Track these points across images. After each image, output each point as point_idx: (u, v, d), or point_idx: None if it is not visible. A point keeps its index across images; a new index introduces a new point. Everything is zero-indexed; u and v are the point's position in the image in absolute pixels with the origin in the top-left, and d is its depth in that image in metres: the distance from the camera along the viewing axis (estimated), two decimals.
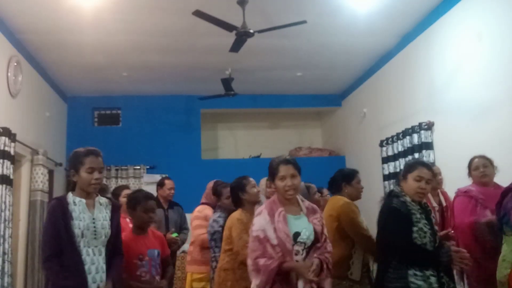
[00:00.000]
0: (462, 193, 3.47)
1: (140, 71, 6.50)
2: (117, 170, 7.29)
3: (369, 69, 6.63)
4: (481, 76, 4.12)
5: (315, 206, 2.64)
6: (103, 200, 2.68)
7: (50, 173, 6.18)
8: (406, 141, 5.28)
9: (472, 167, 3.53)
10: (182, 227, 4.84)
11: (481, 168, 3.46)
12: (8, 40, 4.94)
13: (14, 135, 4.78)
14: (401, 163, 5.26)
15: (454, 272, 3.04)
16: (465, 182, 4.26)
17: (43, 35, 5.16)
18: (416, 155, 5.01)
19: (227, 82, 6.27)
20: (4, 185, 4.44)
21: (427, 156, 4.86)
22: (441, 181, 3.81)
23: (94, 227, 2.52)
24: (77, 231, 2.46)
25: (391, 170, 5.66)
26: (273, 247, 2.39)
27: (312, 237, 2.46)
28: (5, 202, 4.44)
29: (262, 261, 2.37)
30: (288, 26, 4.48)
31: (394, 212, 2.59)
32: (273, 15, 4.74)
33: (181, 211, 4.99)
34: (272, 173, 2.52)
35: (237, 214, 3.28)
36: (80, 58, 5.87)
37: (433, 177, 2.77)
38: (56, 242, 2.44)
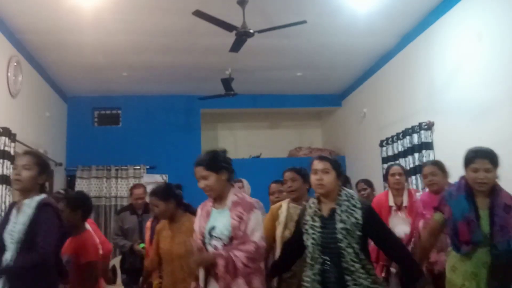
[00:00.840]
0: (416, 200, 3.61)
1: (140, 71, 6.49)
2: (117, 170, 7.29)
3: (369, 69, 6.63)
4: (481, 76, 4.12)
5: (246, 200, 2.53)
6: (28, 201, 2.50)
7: (50, 173, 6.18)
8: (406, 141, 5.28)
9: (422, 174, 3.66)
10: None
11: (429, 176, 3.52)
12: (8, 40, 4.94)
13: (14, 135, 4.78)
14: (401, 163, 5.26)
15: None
16: None
17: (43, 35, 5.16)
18: (416, 155, 5.01)
19: (227, 82, 6.27)
20: (4, 185, 4.45)
21: (427, 156, 4.86)
22: (400, 181, 3.75)
23: (13, 231, 2.42)
24: (5, 235, 2.44)
25: None
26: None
27: (227, 233, 2.41)
28: (5, 202, 4.44)
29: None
30: (288, 26, 4.48)
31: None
32: (273, 15, 4.74)
33: None
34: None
35: None
36: (80, 58, 5.87)
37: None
38: None
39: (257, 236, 2.41)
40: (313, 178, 2.54)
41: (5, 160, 4.51)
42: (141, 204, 4.71)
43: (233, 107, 7.80)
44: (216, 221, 2.49)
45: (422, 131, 4.95)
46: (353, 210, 2.46)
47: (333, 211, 2.49)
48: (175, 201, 3.14)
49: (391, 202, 3.71)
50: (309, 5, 4.66)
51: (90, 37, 5.24)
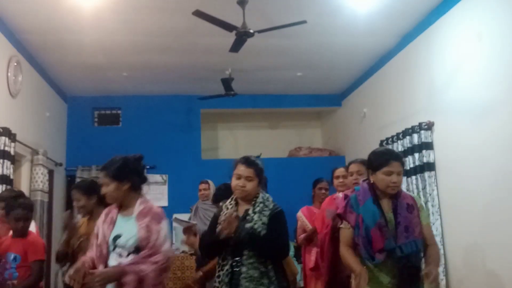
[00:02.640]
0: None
1: (140, 71, 6.49)
2: None
3: (369, 69, 6.63)
4: (481, 76, 4.12)
5: (154, 210, 2.48)
6: None
7: (50, 173, 6.18)
8: (406, 141, 5.28)
9: (334, 175, 3.71)
10: None
11: (341, 178, 3.56)
12: (8, 40, 4.94)
13: (14, 135, 4.78)
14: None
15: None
16: (466, 181, 4.27)
17: (43, 35, 5.16)
18: (416, 155, 5.01)
19: (227, 82, 6.28)
20: (4, 185, 4.44)
21: (427, 156, 4.86)
22: (344, 183, 3.75)
23: None
24: None
25: None
26: (96, 246, 2.41)
27: (133, 242, 2.36)
28: None
29: (88, 254, 2.43)
30: (288, 26, 4.48)
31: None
32: (273, 15, 4.74)
33: None
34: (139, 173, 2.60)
35: None
36: (80, 58, 5.87)
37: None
38: None
39: (166, 247, 2.39)
40: (235, 182, 2.56)
41: (5, 160, 4.51)
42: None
43: (233, 107, 7.80)
44: (121, 229, 2.41)
45: (422, 131, 4.95)
46: (264, 211, 2.52)
47: (246, 212, 2.54)
48: (98, 198, 3.08)
49: None
50: (309, 5, 4.66)
51: (90, 37, 5.23)
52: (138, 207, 2.46)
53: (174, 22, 4.97)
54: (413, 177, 5.01)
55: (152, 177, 7.37)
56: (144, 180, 2.59)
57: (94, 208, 3.10)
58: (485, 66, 4.07)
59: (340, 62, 6.41)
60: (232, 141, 8.68)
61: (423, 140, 4.93)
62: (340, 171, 3.90)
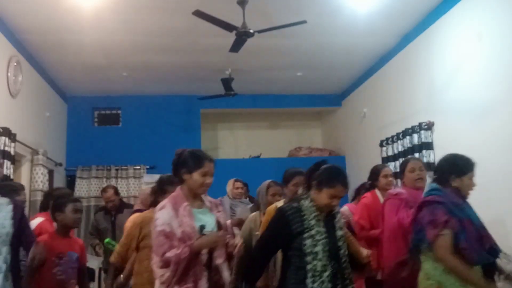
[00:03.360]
0: (392, 196, 3.37)
1: (140, 71, 6.50)
2: (117, 170, 7.29)
3: (369, 69, 6.63)
4: (481, 76, 4.12)
5: (217, 201, 2.67)
6: (2, 199, 2.63)
7: (50, 173, 6.18)
8: (406, 141, 5.28)
9: (407, 168, 3.41)
10: None
11: (417, 170, 3.39)
12: (8, 40, 4.94)
13: (14, 135, 4.78)
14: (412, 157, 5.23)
15: None
16: None
17: (43, 35, 5.16)
18: (416, 155, 5.01)
19: (227, 82, 6.28)
20: None
21: (427, 156, 4.86)
22: (392, 182, 3.77)
23: None
24: None
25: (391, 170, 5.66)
26: (178, 241, 2.35)
27: (215, 230, 2.46)
28: None
29: (171, 253, 2.30)
30: (288, 26, 4.48)
31: (276, 213, 2.55)
32: (273, 15, 4.74)
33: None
34: (194, 165, 2.46)
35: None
36: (80, 58, 5.88)
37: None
38: None
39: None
40: (202, 179, 2.45)
41: (5, 160, 4.51)
42: (111, 207, 4.93)
43: (233, 107, 7.80)
44: (201, 220, 2.43)
45: (422, 131, 4.95)
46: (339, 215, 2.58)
47: (331, 217, 2.50)
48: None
49: (381, 200, 3.65)
50: (309, 5, 4.66)
51: (90, 37, 5.24)
52: (205, 199, 2.57)
53: (174, 22, 4.97)
54: None
55: (152, 177, 7.36)
56: None
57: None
58: (485, 66, 4.07)
59: (340, 62, 6.41)
60: (232, 141, 8.68)
61: (423, 140, 4.93)
62: (388, 170, 3.83)
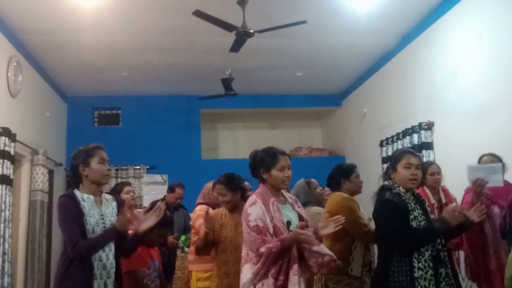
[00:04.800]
0: (471, 189, 3.44)
1: (140, 71, 6.50)
2: (117, 170, 7.29)
3: (369, 69, 6.63)
4: (481, 76, 4.12)
5: (296, 198, 2.72)
6: (108, 196, 2.70)
7: (50, 173, 6.18)
8: (406, 141, 5.28)
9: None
10: (187, 228, 4.96)
11: (437, 175, 3.51)
12: (8, 40, 4.94)
13: (14, 135, 4.78)
14: (429, 160, 5.23)
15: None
16: (466, 181, 4.26)
17: (43, 35, 5.16)
18: None
19: (227, 82, 6.27)
20: (4, 185, 4.44)
21: (427, 156, 4.86)
22: (440, 180, 3.78)
23: (104, 223, 2.51)
24: (88, 227, 2.44)
25: None
26: (270, 235, 2.38)
27: (298, 225, 2.48)
28: (5, 202, 4.44)
29: (264, 248, 2.32)
30: (288, 26, 4.48)
31: (388, 204, 2.58)
32: (273, 15, 4.74)
33: (186, 213, 5.18)
34: (270, 163, 2.50)
35: None
36: (80, 58, 5.87)
37: (421, 165, 2.76)
38: (79, 230, 2.41)
39: None
40: (281, 173, 2.51)
41: (5, 160, 4.51)
42: (175, 203, 5.16)
43: (233, 107, 7.80)
44: (287, 216, 2.49)
45: (422, 131, 4.95)
46: None
47: (421, 201, 2.68)
48: (241, 192, 3.31)
49: (432, 200, 3.69)
50: (309, 5, 4.66)
51: (90, 37, 5.24)
52: (286, 195, 2.61)
53: (174, 22, 4.97)
54: None
55: (152, 177, 7.38)
56: None
57: (238, 202, 3.27)
58: (485, 66, 4.08)
59: (340, 62, 6.41)
60: (232, 141, 8.68)
61: (423, 140, 4.93)
62: (435, 167, 3.79)
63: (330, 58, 6.26)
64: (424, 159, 4.86)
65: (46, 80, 6.35)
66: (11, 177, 4.63)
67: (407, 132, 5.28)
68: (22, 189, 5.37)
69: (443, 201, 3.72)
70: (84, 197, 2.52)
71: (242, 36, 4.52)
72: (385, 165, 5.84)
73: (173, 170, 7.40)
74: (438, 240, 2.54)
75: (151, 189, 7.35)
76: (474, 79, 4.21)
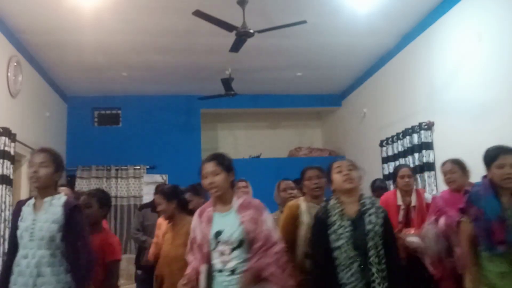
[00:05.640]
0: (434, 198, 3.57)
1: (140, 71, 6.50)
2: (117, 170, 7.29)
3: (369, 69, 6.63)
4: (481, 76, 4.12)
5: (254, 202, 2.46)
6: (58, 201, 2.50)
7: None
8: (406, 141, 5.28)
9: (441, 171, 3.56)
10: None
11: (448, 174, 3.49)
12: (8, 40, 4.94)
13: (14, 135, 4.78)
14: (401, 163, 5.26)
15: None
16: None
17: (43, 35, 5.16)
18: (416, 155, 5.02)
19: (227, 82, 6.27)
20: (4, 185, 4.45)
21: (427, 156, 4.86)
22: (409, 183, 3.76)
23: (32, 229, 2.39)
24: (18, 232, 2.42)
25: (391, 170, 5.65)
26: (196, 248, 2.44)
27: (237, 236, 2.32)
28: (5, 202, 4.44)
29: (190, 258, 2.47)
30: (288, 26, 4.48)
31: (314, 219, 2.62)
32: (273, 15, 4.74)
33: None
34: (200, 173, 2.52)
35: None
36: (80, 58, 5.87)
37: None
38: (11, 241, 2.45)
39: (276, 236, 2.38)
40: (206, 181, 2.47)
41: (5, 160, 4.51)
42: None
43: (233, 107, 7.80)
44: (221, 225, 2.38)
45: (422, 131, 4.95)
46: (377, 212, 2.51)
47: (362, 212, 2.49)
48: (179, 202, 3.22)
49: (399, 201, 3.73)
50: (309, 5, 4.66)
51: (90, 37, 5.23)
52: (236, 201, 2.44)
53: (174, 22, 4.97)
54: None
55: (152, 177, 7.38)
56: (234, 175, 2.58)
57: (175, 213, 3.21)
58: (485, 66, 4.07)
59: (340, 62, 6.41)
60: (232, 141, 8.69)
61: (423, 140, 4.93)
62: (405, 171, 3.80)
63: (330, 58, 6.26)
64: (424, 159, 4.86)
65: (46, 80, 6.35)
66: (11, 177, 4.63)
67: (407, 132, 5.28)
68: (22, 189, 5.37)
69: (413, 204, 3.71)
70: (30, 202, 2.52)
71: (242, 36, 4.52)
72: (385, 165, 5.85)
73: (173, 170, 7.40)
74: (370, 253, 2.43)
75: (151, 189, 7.34)
76: (474, 79, 4.21)
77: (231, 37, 4.59)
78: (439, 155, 4.80)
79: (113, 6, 4.53)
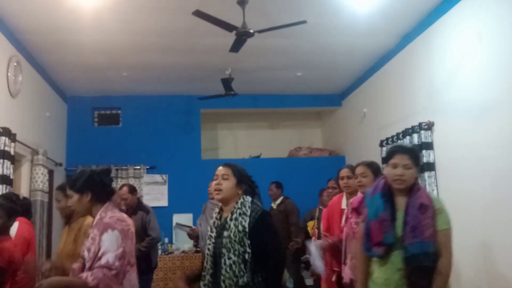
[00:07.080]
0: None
1: (140, 71, 6.49)
2: (117, 170, 7.29)
3: (369, 69, 6.63)
4: (481, 76, 4.12)
5: (104, 222, 2.36)
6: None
7: (50, 173, 6.18)
8: (406, 141, 5.28)
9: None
10: (144, 234, 4.69)
11: (345, 179, 3.46)
12: (8, 40, 4.94)
13: (14, 135, 4.78)
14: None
15: None
16: (466, 181, 4.27)
17: (43, 35, 5.16)
18: None
19: (227, 82, 6.28)
20: (4, 185, 4.44)
21: (427, 156, 4.86)
22: (348, 184, 3.56)
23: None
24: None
25: None
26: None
27: (85, 255, 2.34)
28: None
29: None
30: (288, 26, 4.48)
31: None
32: (273, 15, 4.74)
33: (144, 216, 4.79)
34: None
35: None
36: (80, 58, 5.87)
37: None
38: None
39: (108, 257, 2.24)
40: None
41: (5, 160, 4.51)
42: (121, 205, 4.63)
43: (233, 107, 7.80)
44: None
45: (422, 131, 4.95)
46: (242, 217, 2.39)
47: (225, 220, 2.45)
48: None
49: (343, 205, 3.59)
50: (309, 5, 4.66)
51: (90, 37, 5.23)
52: (96, 219, 2.42)
53: (174, 22, 4.97)
54: None
55: (152, 177, 7.39)
56: (111, 192, 2.52)
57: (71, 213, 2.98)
58: (485, 66, 4.07)
59: (340, 62, 6.41)
60: (232, 141, 8.69)
61: (423, 140, 4.93)
62: (344, 171, 3.62)
63: (330, 58, 6.25)
64: (424, 159, 4.86)
65: (46, 80, 6.35)
66: (11, 177, 4.63)
67: (407, 132, 5.28)
68: (22, 189, 5.37)
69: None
70: None
71: (242, 36, 4.52)
72: (385, 165, 5.84)
73: (173, 170, 7.41)
74: (223, 263, 2.36)
75: (151, 189, 7.36)
76: (474, 79, 4.21)
77: (231, 37, 4.59)
78: (439, 155, 4.80)
79: (113, 6, 4.53)
